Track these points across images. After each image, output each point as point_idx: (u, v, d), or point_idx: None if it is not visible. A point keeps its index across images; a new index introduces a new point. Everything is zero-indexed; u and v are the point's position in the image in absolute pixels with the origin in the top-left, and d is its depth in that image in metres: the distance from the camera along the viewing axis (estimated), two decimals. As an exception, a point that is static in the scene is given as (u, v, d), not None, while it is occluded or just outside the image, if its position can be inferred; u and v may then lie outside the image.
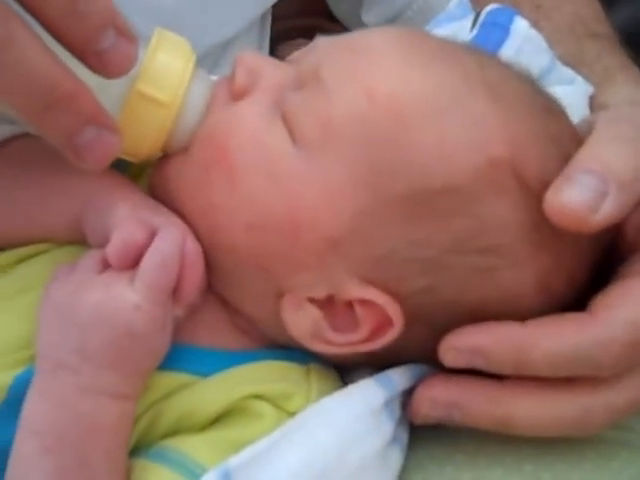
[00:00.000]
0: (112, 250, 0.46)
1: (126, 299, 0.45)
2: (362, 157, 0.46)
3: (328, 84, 0.48)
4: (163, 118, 0.47)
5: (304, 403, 0.48)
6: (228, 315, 0.51)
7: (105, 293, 0.45)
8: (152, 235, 0.46)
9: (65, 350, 0.45)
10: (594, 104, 0.63)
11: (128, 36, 0.42)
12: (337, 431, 0.46)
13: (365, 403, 0.47)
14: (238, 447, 0.45)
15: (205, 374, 0.49)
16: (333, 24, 0.90)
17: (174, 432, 0.48)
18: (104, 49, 0.42)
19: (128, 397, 0.46)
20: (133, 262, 0.46)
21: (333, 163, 0.47)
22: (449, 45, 0.51)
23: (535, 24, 0.66)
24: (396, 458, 0.49)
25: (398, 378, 0.49)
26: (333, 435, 0.46)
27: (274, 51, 0.86)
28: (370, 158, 0.46)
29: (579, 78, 0.63)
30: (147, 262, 0.46)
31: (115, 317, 0.45)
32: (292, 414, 0.48)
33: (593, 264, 0.50)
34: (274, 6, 0.77)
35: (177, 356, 0.48)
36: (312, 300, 0.48)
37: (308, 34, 0.94)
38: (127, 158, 0.50)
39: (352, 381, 0.51)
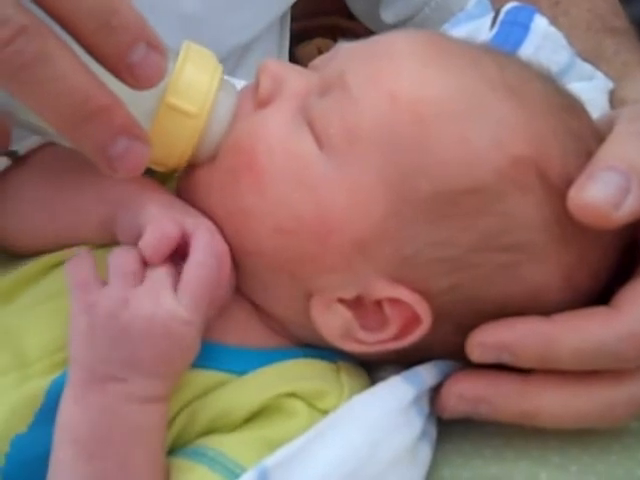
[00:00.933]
0: (146, 242, 0.47)
1: (177, 315, 0.45)
2: (388, 160, 0.47)
3: (352, 89, 0.48)
4: (192, 129, 0.48)
5: (336, 401, 0.49)
6: (258, 315, 0.52)
7: (156, 307, 0.45)
8: (183, 233, 0.47)
9: (114, 363, 0.45)
10: (613, 99, 0.63)
11: (158, 48, 0.43)
12: (368, 429, 0.47)
13: (395, 400, 0.48)
14: (273, 446, 0.46)
15: (240, 372, 0.49)
16: (351, 22, 0.91)
17: (210, 430, 0.48)
18: (136, 62, 0.43)
19: (166, 398, 0.47)
20: (165, 256, 0.47)
21: (360, 166, 0.47)
22: (469, 48, 0.52)
23: (553, 20, 0.66)
24: (426, 453, 0.49)
25: (426, 374, 0.50)
26: (365, 433, 0.47)
27: (293, 50, 0.87)
28: (396, 161, 0.47)
29: (598, 74, 0.64)
30: (191, 276, 0.46)
31: (168, 332, 0.45)
32: (325, 412, 0.49)
33: (616, 258, 0.50)
34: (293, 6, 0.77)
35: (211, 354, 0.49)
36: (341, 300, 0.49)
37: (327, 33, 0.96)
38: (156, 168, 0.51)
39: (379, 377, 0.52)
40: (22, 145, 0.54)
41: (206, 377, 0.49)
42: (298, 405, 0.49)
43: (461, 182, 0.47)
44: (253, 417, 0.49)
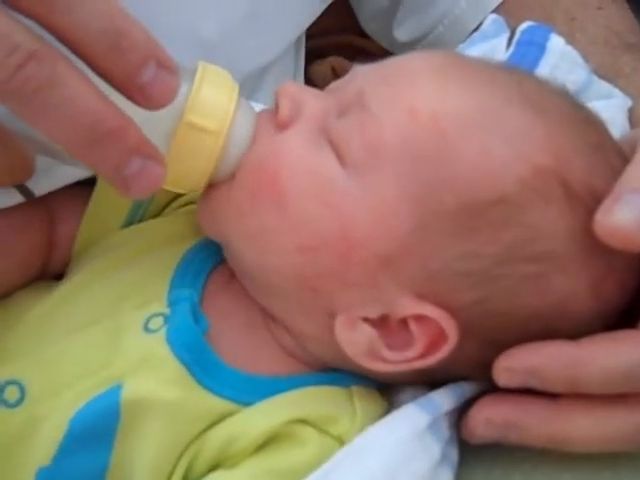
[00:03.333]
0: None
1: None
2: (411, 175, 0.47)
3: (372, 107, 0.49)
4: (212, 146, 0.48)
5: (349, 426, 0.49)
6: (274, 337, 0.52)
7: None
8: None
9: None
10: (633, 117, 0.63)
11: (169, 67, 0.43)
12: (385, 457, 0.47)
13: (409, 427, 0.48)
14: (282, 477, 0.46)
15: (249, 403, 0.49)
16: (365, 40, 0.91)
17: (219, 461, 0.48)
18: (146, 82, 0.42)
19: None
20: None
21: (383, 183, 0.48)
22: (486, 65, 0.53)
23: (569, 36, 0.67)
24: (446, 477, 0.49)
25: (440, 400, 0.50)
26: (381, 462, 0.47)
27: (307, 69, 0.87)
28: (419, 175, 0.47)
29: (617, 92, 0.64)
30: None
31: None
32: (337, 438, 0.49)
33: None
34: (307, 25, 0.78)
35: (224, 380, 0.49)
36: (366, 319, 0.49)
37: (340, 51, 0.95)
38: (176, 190, 0.51)
39: (398, 400, 0.52)
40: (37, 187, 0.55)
41: (216, 406, 0.49)
42: (308, 432, 0.49)
43: (485, 193, 0.47)
44: (263, 445, 0.48)
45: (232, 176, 0.50)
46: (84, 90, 0.42)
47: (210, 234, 0.53)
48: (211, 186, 0.51)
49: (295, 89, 0.52)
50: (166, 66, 0.43)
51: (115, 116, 0.43)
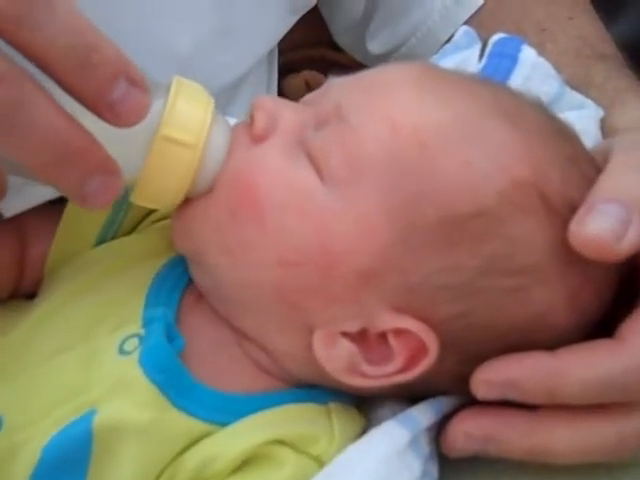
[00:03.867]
0: None
1: None
2: (391, 188, 0.47)
3: (351, 120, 0.49)
4: (189, 160, 0.48)
5: (327, 446, 0.48)
6: (247, 354, 0.51)
7: None
8: None
9: None
10: (605, 127, 0.63)
11: (140, 85, 0.42)
12: (368, 477, 0.47)
13: (390, 445, 0.48)
14: None
15: (225, 424, 0.49)
16: (338, 54, 0.91)
17: None
18: (116, 99, 0.42)
19: None
20: None
21: (363, 196, 0.47)
22: (462, 76, 0.53)
23: (540, 47, 0.67)
24: None
25: (420, 415, 0.49)
26: None
27: (280, 83, 0.87)
28: (399, 188, 0.47)
29: (589, 102, 0.64)
30: None
31: None
32: (315, 458, 0.48)
33: (617, 280, 0.50)
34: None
35: (199, 400, 0.49)
36: (345, 334, 0.48)
37: (313, 65, 0.96)
38: (152, 206, 0.51)
39: (377, 415, 0.51)
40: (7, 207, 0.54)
41: (191, 427, 0.48)
42: (286, 453, 0.48)
43: (465, 206, 0.47)
44: (240, 467, 0.48)
45: (208, 191, 0.50)
46: (50, 111, 0.41)
47: (183, 251, 0.52)
48: (186, 202, 0.50)
49: (271, 102, 0.52)
50: (137, 83, 0.42)
51: (81, 137, 0.42)
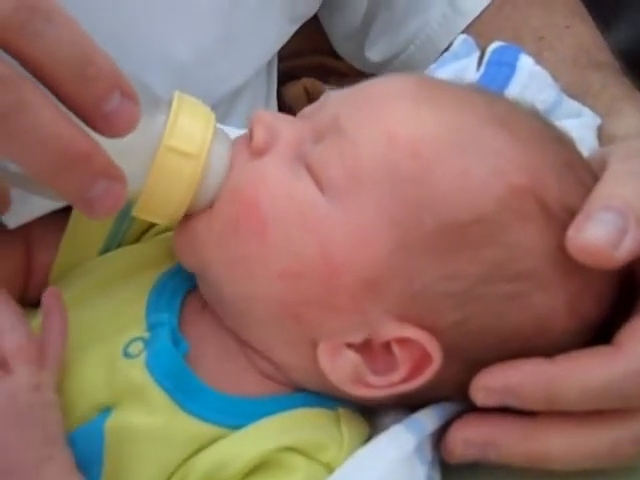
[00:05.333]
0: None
1: None
2: (391, 197, 0.48)
3: (348, 132, 0.49)
4: (192, 171, 0.48)
5: (337, 453, 0.49)
6: (252, 363, 0.51)
7: None
8: None
9: None
10: (602, 135, 0.64)
11: (132, 97, 0.43)
12: None
13: (398, 451, 0.48)
14: None
15: (236, 427, 0.49)
16: (337, 62, 0.91)
17: None
18: (111, 111, 0.42)
19: None
20: None
21: (364, 206, 0.48)
22: (457, 87, 0.53)
23: (538, 56, 0.67)
24: None
25: (426, 420, 0.50)
26: None
27: (280, 90, 0.88)
28: (398, 198, 0.48)
29: (586, 110, 0.64)
30: None
31: None
32: (325, 465, 0.48)
33: (618, 284, 0.51)
34: (279, 47, 0.78)
35: (207, 403, 0.49)
36: (350, 345, 0.49)
37: (313, 72, 0.96)
38: (155, 219, 0.51)
39: (381, 423, 0.51)
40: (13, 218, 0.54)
41: (201, 431, 0.48)
42: (297, 460, 0.48)
43: (464, 213, 0.47)
44: (251, 473, 0.48)
45: (210, 205, 0.50)
46: (51, 115, 0.41)
47: (188, 265, 0.53)
48: (188, 216, 0.51)
49: (269, 116, 0.52)
50: (129, 96, 0.43)
51: (82, 140, 0.42)
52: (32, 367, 0.46)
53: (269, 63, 0.79)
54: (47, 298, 0.51)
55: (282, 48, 0.77)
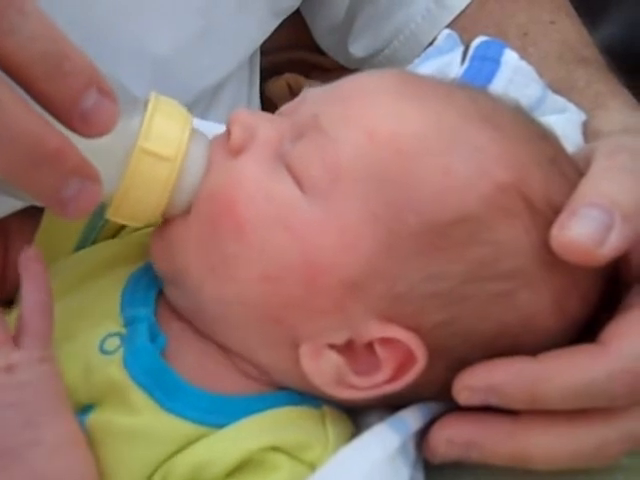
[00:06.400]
0: None
1: None
2: (372, 197, 0.47)
3: (329, 131, 0.48)
4: (168, 173, 0.48)
5: (321, 453, 0.48)
6: (232, 362, 0.50)
7: None
8: None
9: None
10: (587, 131, 0.63)
11: (109, 95, 0.42)
12: None
13: (382, 450, 0.47)
14: None
15: (219, 426, 0.48)
16: (320, 57, 0.91)
17: None
18: (88, 108, 0.41)
19: None
20: None
21: (345, 206, 0.47)
22: (439, 82, 0.53)
23: (522, 51, 0.67)
24: None
25: (410, 419, 0.49)
26: None
27: (262, 86, 0.87)
28: (380, 197, 0.47)
29: (571, 106, 0.64)
30: None
31: None
32: (310, 464, 0.48)
33: (603, 283, 0.50)
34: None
35: (188, 401, 0.48)
36: (332, 346, 0.48)
37: (296, 68, 0.95)
38: (131, 223, 0.50)
39: (364, 423, 0.51)
40: None
41: (182, 429, 0.48)
42: (280, 459, 0.47)
43: (448, 213, 0.47)
44: (233, 473, 0.47)
45: (188, 208, 0.49)
46: (24, 113, 0.41)
47: (163, 271, 0.51)
48: (166, 220, 0.50)
49: (247, 115, 0.51)
50: (107, 93, 0.42)
51: (53, 137, 0.41)
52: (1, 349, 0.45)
53: (252, 57, 0.78)
54: (23, 260, 0.48)
55: (264, 42, 0.76)
